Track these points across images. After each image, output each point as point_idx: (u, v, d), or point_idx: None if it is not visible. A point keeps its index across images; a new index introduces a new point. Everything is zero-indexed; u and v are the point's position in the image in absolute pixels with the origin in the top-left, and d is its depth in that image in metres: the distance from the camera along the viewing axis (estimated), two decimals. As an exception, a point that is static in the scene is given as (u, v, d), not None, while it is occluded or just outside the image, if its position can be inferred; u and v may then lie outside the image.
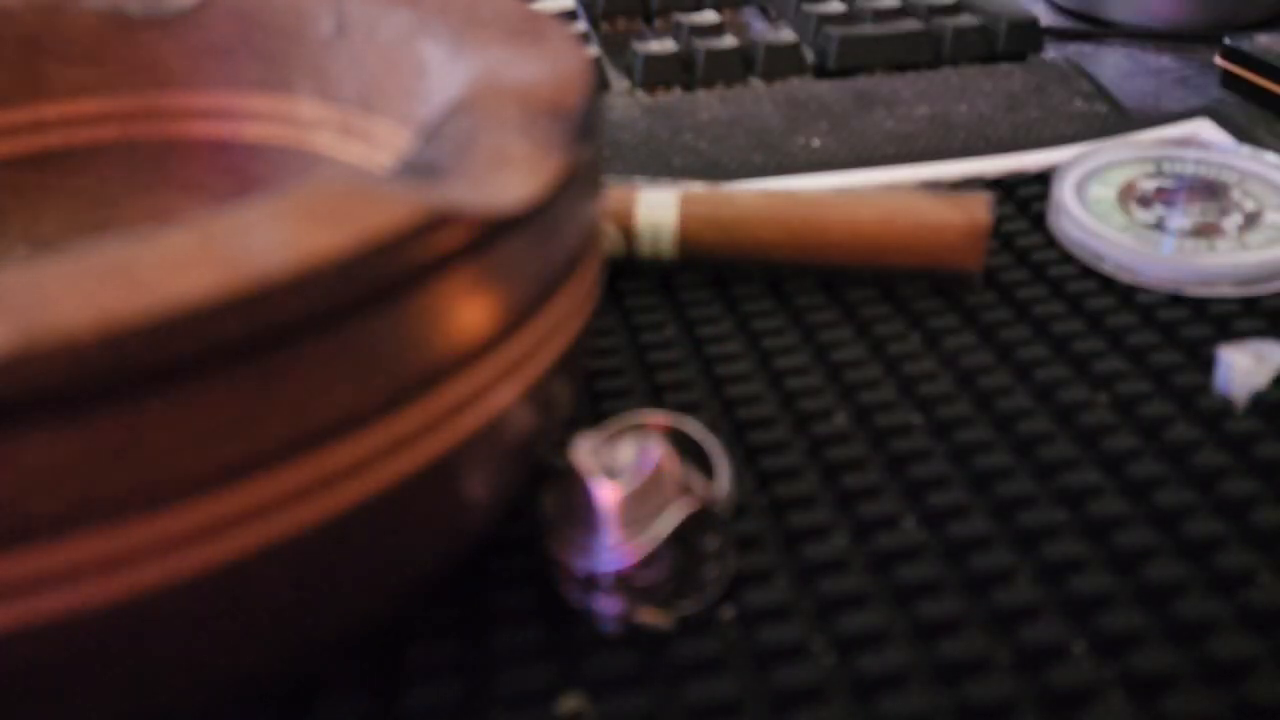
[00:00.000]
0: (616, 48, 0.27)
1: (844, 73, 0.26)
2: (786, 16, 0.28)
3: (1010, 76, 0.25)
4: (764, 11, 0.29)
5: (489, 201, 0.08)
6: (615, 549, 0.11)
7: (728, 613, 0.12)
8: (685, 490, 0.11)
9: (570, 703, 0.11)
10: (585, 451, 0.11)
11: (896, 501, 0.13)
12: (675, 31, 0.27)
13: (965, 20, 0.26)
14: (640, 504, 0.11)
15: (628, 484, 0.11)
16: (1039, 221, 0.19)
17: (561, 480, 0.11)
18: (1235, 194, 0.19)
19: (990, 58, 0.26)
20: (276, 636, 0.08)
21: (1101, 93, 0.24)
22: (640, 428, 0.13)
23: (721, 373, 0.16)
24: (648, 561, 0.11)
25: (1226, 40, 0.25)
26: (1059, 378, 0.16)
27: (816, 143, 0.22)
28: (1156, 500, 0.13)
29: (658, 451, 0.11)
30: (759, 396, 0.15)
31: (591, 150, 0.10)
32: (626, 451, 0.11)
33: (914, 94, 0.24)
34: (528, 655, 0.12)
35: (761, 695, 0.11)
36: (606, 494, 0.11)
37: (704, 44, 0.25)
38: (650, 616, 0.11)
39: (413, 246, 0.08)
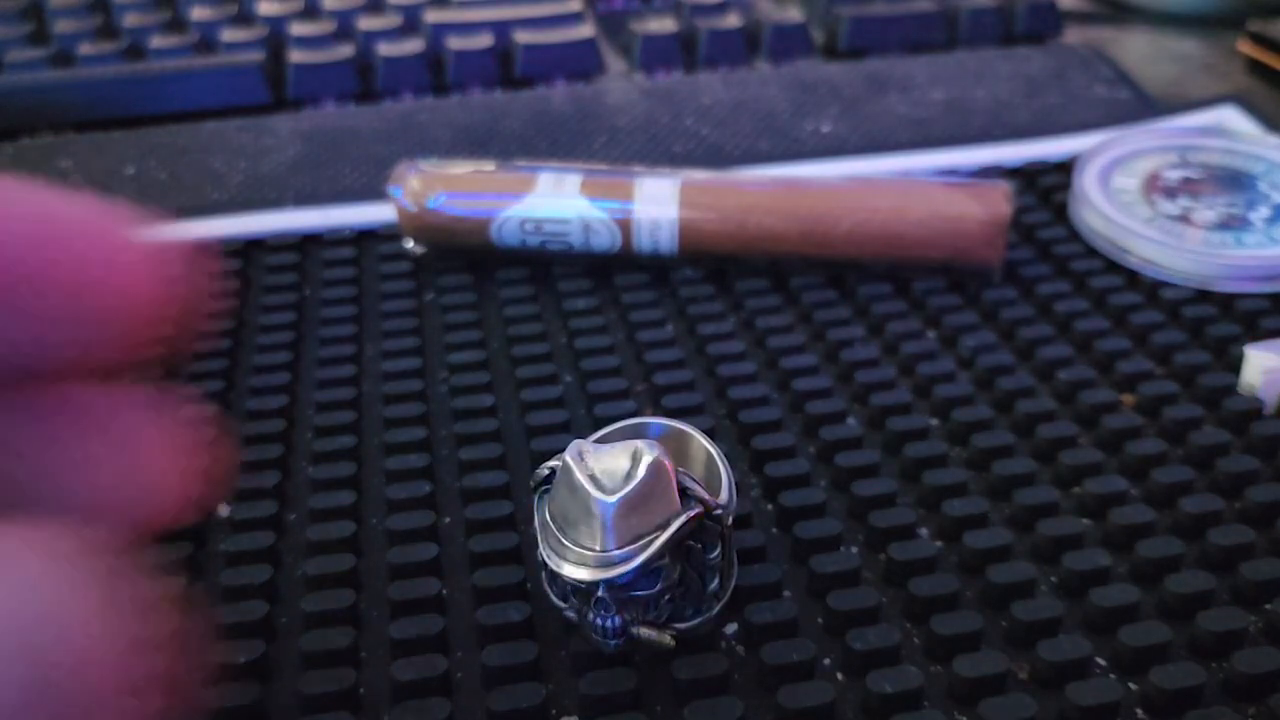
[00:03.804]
0: (614, 27, 0.26)
1: (855, 54, 0.25)
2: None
3: (1029, 60, 0.24)
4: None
5: None
6: (613, 559, 0.10)
7: (731, 629, 0.12)
8: (685, 498, 0.11)
9: None
10: (582, 458, 0.10)
11: (911, 510, 0.13)
12: (676, 10, 0.26)
13: (981, 0, 0.25)
14: (639, 513, 0.10)
15: (626, 492, 0.10)
16: (1061, 212, 0.19)
17: (556, 488, 0.11)
18: (1262, 185, 0.19)
19: (1007, 40, 0.25)
20: None
21: (1123, 78, 0.23)
22: (638, 433, 0.12)
23: (725, 373, 0.15)
24: (647, 574, 0.10)
25: (1251, 26, 0.24)
26: (1082, 379, 0.15)
27: (826, 128, 0.21)
28: (1182, 507, 0.13)
29: (657, 458, 0.10)
30: (765, 399, 0.15)
31: None
32: (624, 458, 0.10)
33: (928, 77, 0.23)
34: (520, 673, 0.11)
35: (767, 716, 0.11)
36: (604, 502, 0.10)
37: (706, 23, 0.25)
38: (650, 632, 0.11)
39: None
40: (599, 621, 0.11)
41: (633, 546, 0.10)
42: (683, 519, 0.10)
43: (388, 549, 0.12)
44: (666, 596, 0.11)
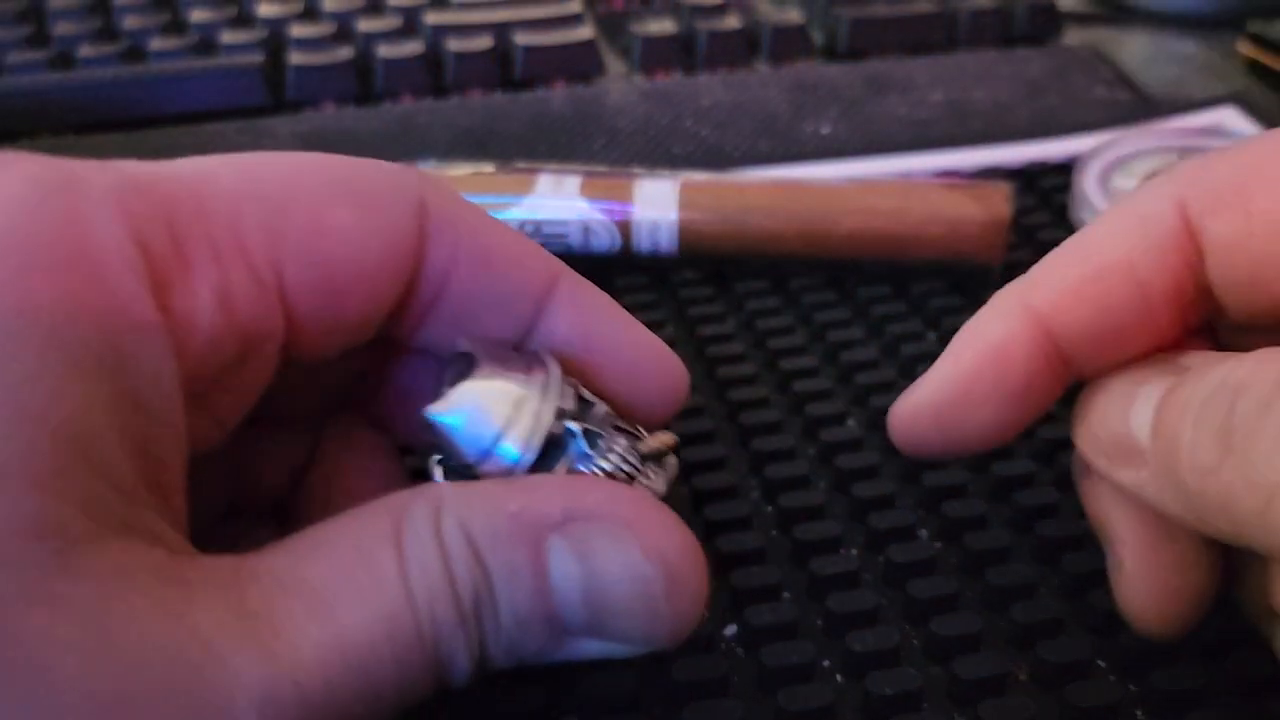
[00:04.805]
0: (613, 29, 0.26)
1: (855, 55, 0.25)
2: (793, -3, 0.27)
3: (1029, 61, 0.24)
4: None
5: None
6: (535, 386, 0.10)
7: (731, 630, 0.12)
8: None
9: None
10: (433, 432, 0.10)
11: (911, 512, 0.13)
12: (675, 11, 0.26)
13: (981, 1, 0.25)
14: (500, 371, 0.10)
15: (478, 373, 0.09)
16: (1061, 214, 0.19)
17: (446, 460, 0.10)
18: (1263, 186, 0.19)
19: (1007, 41, 0.25)
20: None
21: (1123, 79, 0.23)
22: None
23: (725, 375, 0.15)
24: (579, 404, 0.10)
25: (1251, 27, 0.24)
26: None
27: (826, 129, 0.21)
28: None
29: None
30: (765, 400, 0.15)
31: None
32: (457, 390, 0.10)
33: (929, 78, 0.23)
34: (520, 677, 0.11)
35: (766, 718, 0.11)
36: (466, 385, 0.09)
37: (706, 24, 0.25)
38: (648, 444, 0.10)
39: None
40: (600, 455, 0.10)
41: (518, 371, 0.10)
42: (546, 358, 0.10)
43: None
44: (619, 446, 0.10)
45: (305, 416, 0.12)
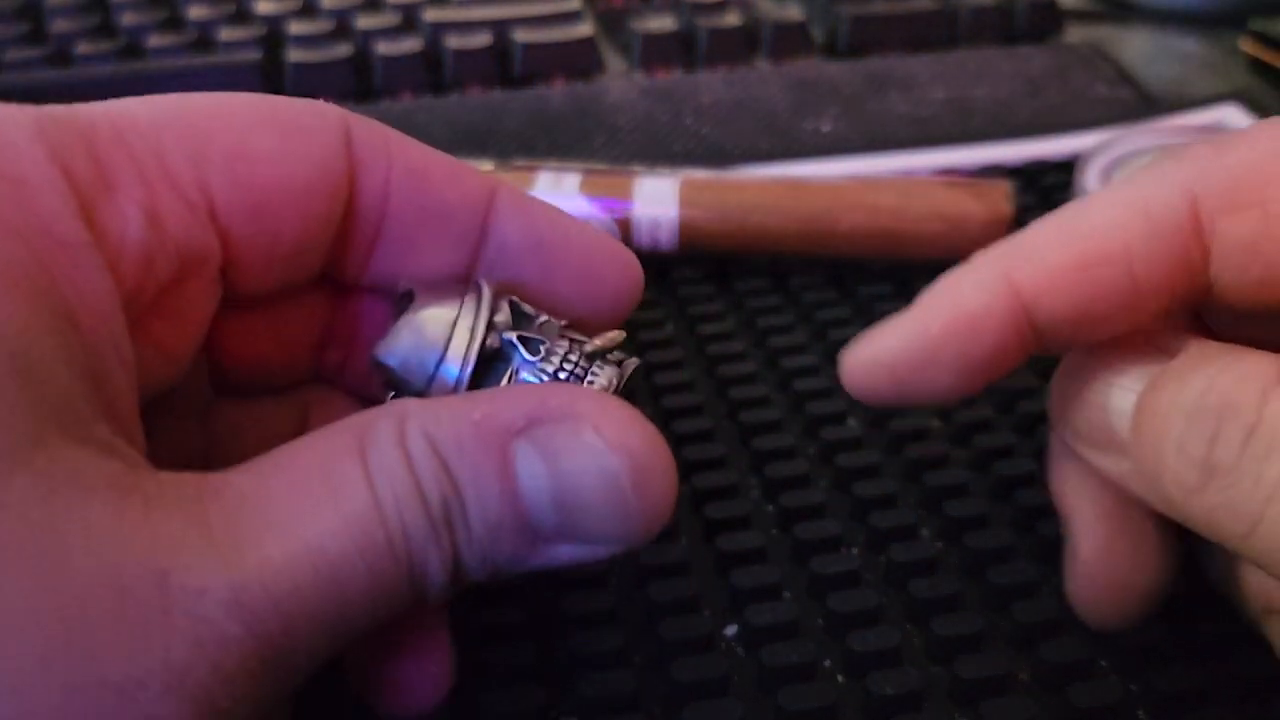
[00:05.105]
0: (613, 25, 0.26)
1: (855, 53, 0.25)
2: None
3: (1030, 59, 0.24)
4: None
5: None
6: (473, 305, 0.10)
7: (731, 630, 0.11)
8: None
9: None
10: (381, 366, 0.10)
11: (912, 511, 0.13)
12: (675, 8, 0.26)
13: (981, -1, 0.25)
14: (432, 303, 0.10)
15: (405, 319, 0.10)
16: (1061, 212, 0.19)
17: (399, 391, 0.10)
18: (1265, 184, 0.19)
19: (1008, 38, 0.25)
20: None
21: (1124, 77, 0.23)
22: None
23: (725, 373, 0.15)
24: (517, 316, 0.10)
25: (1253, 24, 0.24)
26: (1083, 379, 0.15)
27: (826, 127, 0.21)
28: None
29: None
30: (765, 399, 0.15)
31: None
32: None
33: (929, 76, 0.23)
34: (518, 676, 0.11)
35: (767, 718, 0.11)
36: (407, 316, 0.10)
37: (706, 21, 0.25)
38: (596, 345, 0.10)
39: None
40: (543, 360, 0.10)
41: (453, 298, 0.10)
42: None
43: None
44: (563, 352, 0.10)
45: (284, 385, 0.11)
